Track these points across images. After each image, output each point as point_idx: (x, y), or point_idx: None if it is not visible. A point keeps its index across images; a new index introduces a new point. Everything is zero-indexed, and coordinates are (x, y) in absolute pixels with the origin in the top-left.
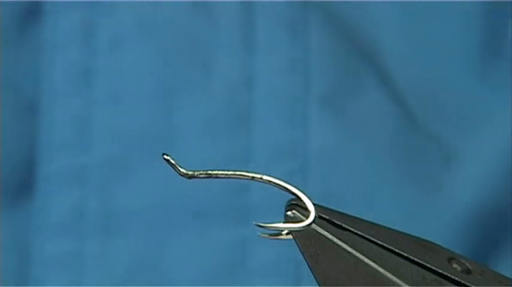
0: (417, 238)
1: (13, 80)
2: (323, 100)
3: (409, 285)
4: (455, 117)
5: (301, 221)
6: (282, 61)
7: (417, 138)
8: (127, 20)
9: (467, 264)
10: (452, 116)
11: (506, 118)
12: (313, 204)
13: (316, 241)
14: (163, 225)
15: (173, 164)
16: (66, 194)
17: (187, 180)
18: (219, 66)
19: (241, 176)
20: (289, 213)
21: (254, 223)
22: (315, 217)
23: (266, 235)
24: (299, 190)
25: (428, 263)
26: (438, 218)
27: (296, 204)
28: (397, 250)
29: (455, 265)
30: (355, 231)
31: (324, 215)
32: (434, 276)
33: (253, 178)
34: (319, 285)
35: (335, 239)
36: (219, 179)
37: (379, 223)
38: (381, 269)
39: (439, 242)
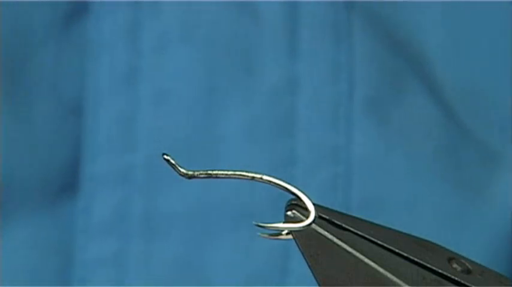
0: (417, 238)
1: (58, 80)
2: (367, 105)
3: (409, 285)
4: (502, 123)
5: (301, 221)
6: (325, 66)
7: (462, 144)
8: (172, 21)
9: (467, 264)
10: (499, 121)
11: None
12: (313, 204)
13: (316, 241)
14: (207, 226)
15: (173, 164)
16: (110, 194)
17: (231, 182)
18: (263, 69)
19: (241, 176)
20: (289, 213)
21: (254, 222)
22: (315, 217)
23: (266, 235)
24: (299, 190)
25: (428, 263)
26: (482, 226)
27: (296, 204)
28: (397, 250)
29: (455, 265)
30: (355, 231)
31: (324, 215)
32: (434, 276)
33: (253, 177)
34: (319, 285)
35: (335, 239)
36: (264, 184)
37: (422, 229)
38: (381, 269)
39: (483, 251)
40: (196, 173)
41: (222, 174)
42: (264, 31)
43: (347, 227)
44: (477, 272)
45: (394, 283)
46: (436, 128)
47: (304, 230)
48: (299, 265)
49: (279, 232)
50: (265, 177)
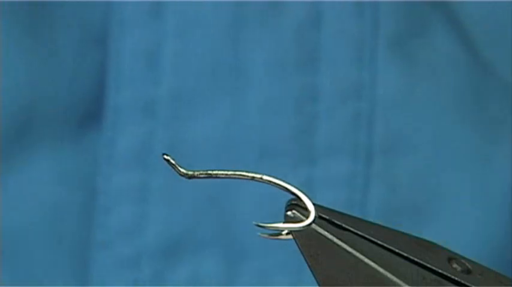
0: (417, 237)
1: (82, 8)
2: (391, 42)
3: (409, 285)
4: None
5: (301, 221)
6: (350, 1)
7: (485, 83)
8: None
9: (467, 264)
10: None
11: None
12: (313, 204)
13: (316, 241)
14: (229, 161)
15: (173, 164)
16: (134, 126)
17: (256, 114)
18: (287, 4)
19: (241, 176)
20: (289, 213)
21: (254, 222)
22: (315, 217)
23: (266, 235)
24: (299, 190)
25: (428, 263)
26: (505, 164)
27: (296, 204)
28: (397, 250)
29: (455, 265)
30: (355, 231)
31: (324, 215)
32: (434, 276)
33: (253, 177)
34: (319, 285)
35: (335, 239)
36: (287, 117)
37: (445, 167)
38: (381, 269)
39: (506, 189)
40: (196, 173)
41: (222, 174)
42: None
43: (347, 227)
44: (477, 272)
45: (394, 283)
46: (460, 66)
47: (304, 230)
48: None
49: (279, 232)
50: (265, 177)
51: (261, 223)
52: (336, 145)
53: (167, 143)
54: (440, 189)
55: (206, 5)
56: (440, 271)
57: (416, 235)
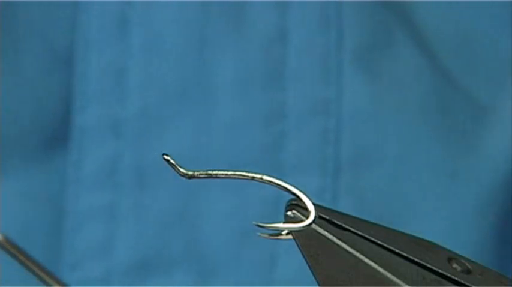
0: (417, 237)
1: (48, 29)
2: (356, 57)
3: (409, 285)
4: (488, 72)
5: (301, 221)
6: (315, 16)
7: (451, 97)
8: None
9: (467, 264)
10: (486, 71)
11: None
12: (313, 204)
13: (316, 241)
14: None
15: (173, 164)
16: (101, 146)
17: (223, 132)
18: (253, 20)
19: (241, 176)
20: (289, 213)
21: (254, 222)
22: (315, 217)
23: (266, 235)
24: (299, 190)
25: (428, 263)
26: (471, 178)
27: (296, 204)
28: (397, 250)
29: (455, 265)
30: (355, 231)
31: (324, 215)
32: (434, 276)
33: (253, 177)
34: (319, 285)
35: (335, 239)
36: (255, 134)
37: (412, 182)
38: (381, 269)
39: (471, 203)
40: (196, 173)
41: (222, 174)
42: None
43: (347, 227)
44: (477, 272)
45: (394, 283)
46: (425, 80)
47: (304, 230)
48: None
49: (279, 232)
50: (265, 177)
51: (261, 222)
52: (304, 160)
53: (134, 162)
54: (407, 201)
55: (172, 24)
56: (440, 271)
57: None
